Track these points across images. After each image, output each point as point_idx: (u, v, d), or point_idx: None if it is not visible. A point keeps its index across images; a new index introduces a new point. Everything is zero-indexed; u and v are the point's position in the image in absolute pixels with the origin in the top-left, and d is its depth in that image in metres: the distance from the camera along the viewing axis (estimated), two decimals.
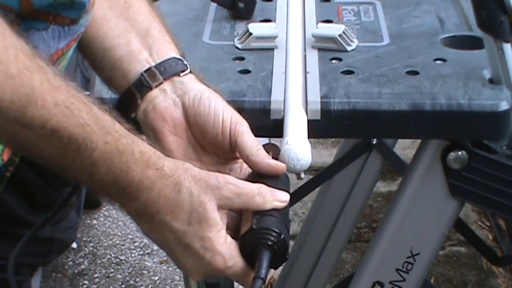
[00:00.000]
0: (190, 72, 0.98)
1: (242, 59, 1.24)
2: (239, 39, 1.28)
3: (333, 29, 1.26)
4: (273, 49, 1.25)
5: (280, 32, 1.27)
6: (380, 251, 1.30)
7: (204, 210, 0.86)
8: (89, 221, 2.63)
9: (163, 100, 0.95)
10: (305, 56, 1.23)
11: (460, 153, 1.19)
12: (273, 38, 1.25)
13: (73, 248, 2.49)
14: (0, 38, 0.71)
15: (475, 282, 2.38)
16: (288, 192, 0.92)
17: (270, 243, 0.86)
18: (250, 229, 0.87)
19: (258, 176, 0.93)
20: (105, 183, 0.82)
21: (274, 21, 1.33)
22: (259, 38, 1.26)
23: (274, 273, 2.38)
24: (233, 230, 0.89)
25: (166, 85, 0.96)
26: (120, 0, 0.99)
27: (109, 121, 0.81)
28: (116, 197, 0.85)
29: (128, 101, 0.96)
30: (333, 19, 1.35)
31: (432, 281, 2.34)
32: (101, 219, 2.65)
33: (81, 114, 0.78)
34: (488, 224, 2.55)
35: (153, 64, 0.97)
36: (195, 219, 0.86)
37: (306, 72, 1.18)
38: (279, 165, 0.93)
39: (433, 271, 2.37)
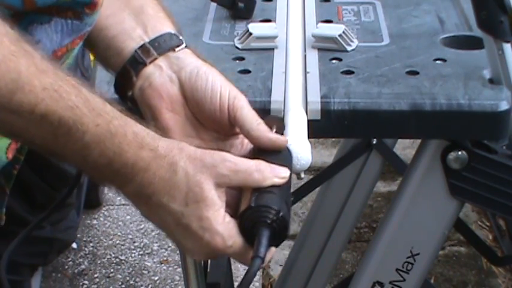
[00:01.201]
0: (186, 47, 0.97)
1: (242, 59, 1.24)
2: (239, 39, 1.28)
3: (333, 29, 1.26)
4: (273, 49, 1.25)
5: (280, 32, 1.27)
6: (380, 251, 1.30)
7: (201, 189, 0.84)
8: (89, 221, 2.63)
9: (159, 76, 0.94)
10: (305, 56, 1.23)
11: (460, 153, 1.19)
12: (273, 38, 1.25)
13: (73, 248, 2.48)
14: None
15: (475, 282, 2.38)
16: (289, 168, 0.89)
17: (268, 221, 0.84)
18: (248, 207, 0.85)
19: (259, 151, 0.90)
20: (99, 166, 0.81)
21: (274, 21, 1.33)
22: (259, 38, 1.26)
23: (274, 273, 2.38)
24: (233, 208, 0.87)
25: (162, 61, 0.95)
26: None
27: (99, 103, 0.80)
28: (112, 180, 0.84)
29: (124, 79, 0.95)
30: (333, 19, 1.35)
31: (432, 281, 2.34)
32: (101, 219, 2.65)
33: (70, 96, 0.77)
34: (488, 224, 2.55)
35: (147, 40, 0.95)
36: (192, 199, 0.84)
37: (306, 72, 1.18)
38: (279, 139, 0.91)
39: (433, 271, 2.37)
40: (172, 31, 0.97)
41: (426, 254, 1.28)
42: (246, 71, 1.20)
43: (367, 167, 1.69)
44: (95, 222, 2.63)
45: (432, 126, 1.14)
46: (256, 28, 1.27)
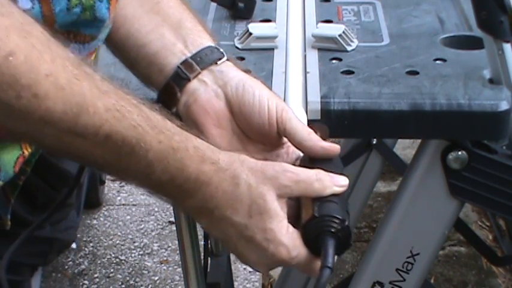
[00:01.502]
0: (227, 59, 0.96)
1: (242, 59, 1.24)
2: (239, 39, 1.28)
3: (333, 29, 1.26)
4: (273, 49, 1.25)
5: (280, 32, 1.27)
6: (380, 251, 1.30)
7: (264, 201, 0.84)
8: (89, 221, 2.63)
9: (205, 92, 0.94)
10: (305, 56, 1.23)
11: (460, 153, 1.19)
12: (273, 38, 1.25)
13: (73, 248, 2.49)
14: (47, 50, 0.71)
15: (475, 282, 2.38)
16: (344, 175, 0.89)
17: (333, 230, 0.84)
18: (312, 217, 0.84)
19: (310, 160, 0.90)
20: (162, 183, 0.81)
21: (274, 21, 1.33)
22: (259, 38, 1.26)
23: (274, 273, 2.38)
24: (292, 218, 0.87)
25: (206, 75, 0.94)
26: None
27: (160, 120, 0.80)
28: (174, 195, 0.84)
29: (167, 95, 0.95)
30: (333, 19, 1.35)
31: (432, 281, 2.34)
32: (101, 219, 2.65)
33: (133, 116, 0.77)
34: (488, 224, 2.55)
35: (189, 55, 0.95)
36: (256, 211, 0.84)
37: (306, 72, 1.18)
38: (333, 147, 0.90)
39: (433, 271, 2.37)
40: (212, 44, 0.97)
41: (426, 254, 1.28)
42: (246, 71, 1.20)
43: (367, 167, 1.69)
44: (95, 222, 2.63)
45: (432, 126, 1.14)
46: (256, 28, 1.27)
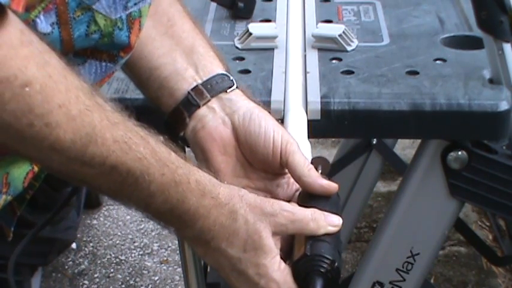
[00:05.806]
0: (236, 87, 0.98)
1: (242, 59, 1.24)
2: (239, 39, 1.28)
3: (333, 29, 1.26)
4: (273, 49, 1.25)
5: (280, 32, 1.27)
6: (380, 251, 1.30)
7: (260, 237, 0.86)
8: (89, 221, 2.63)
9: (212, 119, 0.96)
10: (305, 56, 1.23)
11: (460, 153, 1.19)
12: (273, 38, 1.26)
13: (73, 248, 2.49)
14: (62, 80, 0.72)
15: (475, 282, 2.38)
16: (339, 214, 0.92)
17: (323, 270, 0.86)
18: (303, 255, 0.87)
19: (308, 195, 0.92)
20: (162, 212, 0.83)
21: (274, 21, 1.33)
22: (259, 38, 1.26)
23: None
24: (285, 252, 0.90)
25: (215, 103, 0.96)
26: (164, 18, 0.99)
27: (165, 152, 0.82)
28: (172, 224, 0.86)
29: (176, 119, 0.97)
30: (333, 19, 1.35)
31: (432, 281, 2.34)
32: (101, 219, 2.65)
33: (139, 148, 0.79)
34: (488, 224, 2.55)
35: (200, 82, 0.97)
36: (251, 246, 0.86)
37: (306, 72, 1.18)
38: (331, 186, 0.92)
39: (433, 271, 2.37)
40: (223, 71, 0.99)
41: (426, 254, 1.28)
42: (246, 71, 1.20)
43: (367, 167, 1.69)
44: (95, 222, 2.63)
45: (432, 126, 1.14)
46: (256, 28, 1.27)
